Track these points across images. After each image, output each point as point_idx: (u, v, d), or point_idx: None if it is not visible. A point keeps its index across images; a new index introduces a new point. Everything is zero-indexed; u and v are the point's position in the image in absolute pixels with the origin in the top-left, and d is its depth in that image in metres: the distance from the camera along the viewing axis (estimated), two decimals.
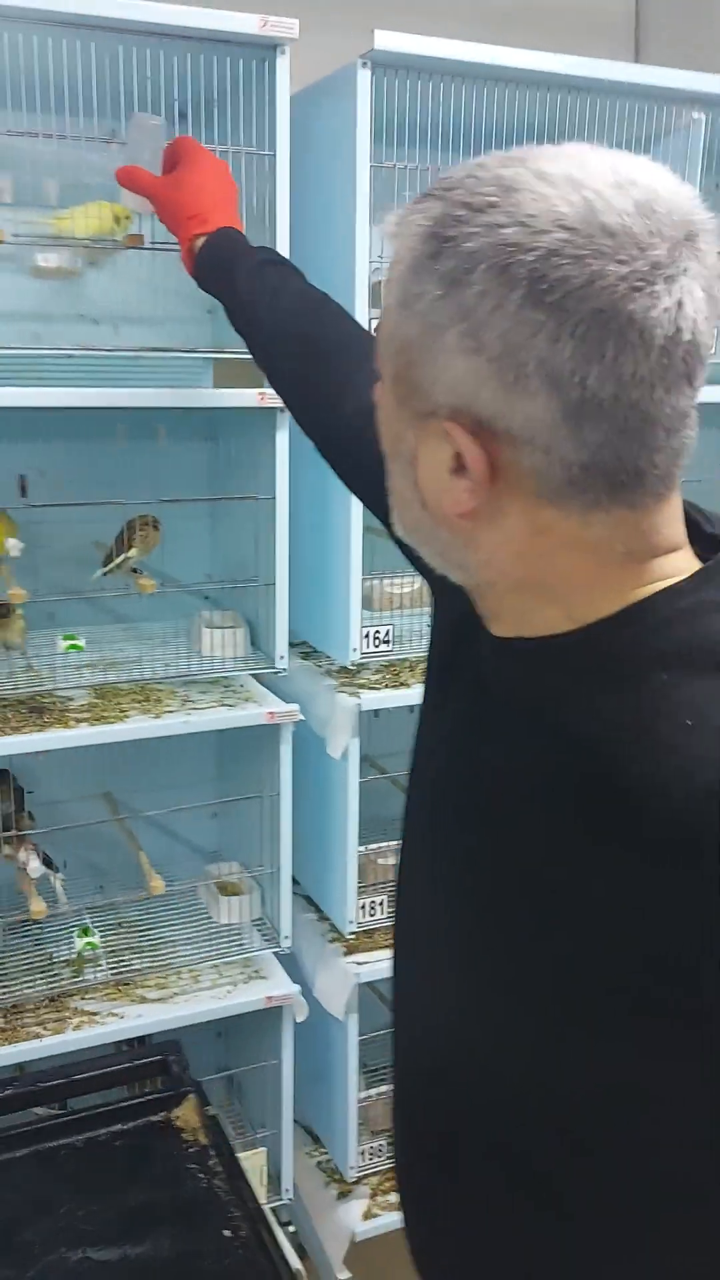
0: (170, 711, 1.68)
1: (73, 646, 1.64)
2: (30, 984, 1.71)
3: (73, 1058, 1.80)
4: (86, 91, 1.50)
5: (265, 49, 1.48)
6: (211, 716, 1.67)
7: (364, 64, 1.52)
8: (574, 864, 0.65)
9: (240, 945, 1.84)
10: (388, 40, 1.48)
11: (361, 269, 1.59)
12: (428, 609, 1.83)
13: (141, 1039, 1.74)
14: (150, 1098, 1.29)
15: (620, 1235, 0.70)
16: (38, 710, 1.64)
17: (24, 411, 1.56)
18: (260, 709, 1.69)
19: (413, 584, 1.79)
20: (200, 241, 1.27)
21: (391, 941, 0.88)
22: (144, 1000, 1.73)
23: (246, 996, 1.76)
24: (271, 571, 1.67)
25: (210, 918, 1.89)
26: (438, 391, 0.63)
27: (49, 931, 1.84)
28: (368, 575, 1.70)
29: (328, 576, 1.74)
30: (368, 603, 1.74)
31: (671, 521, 0.67)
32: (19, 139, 1.52)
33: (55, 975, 1.74)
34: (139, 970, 1.77)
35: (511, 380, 0.60)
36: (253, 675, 1.82)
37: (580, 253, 0.57)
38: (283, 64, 1.48)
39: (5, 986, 1.69)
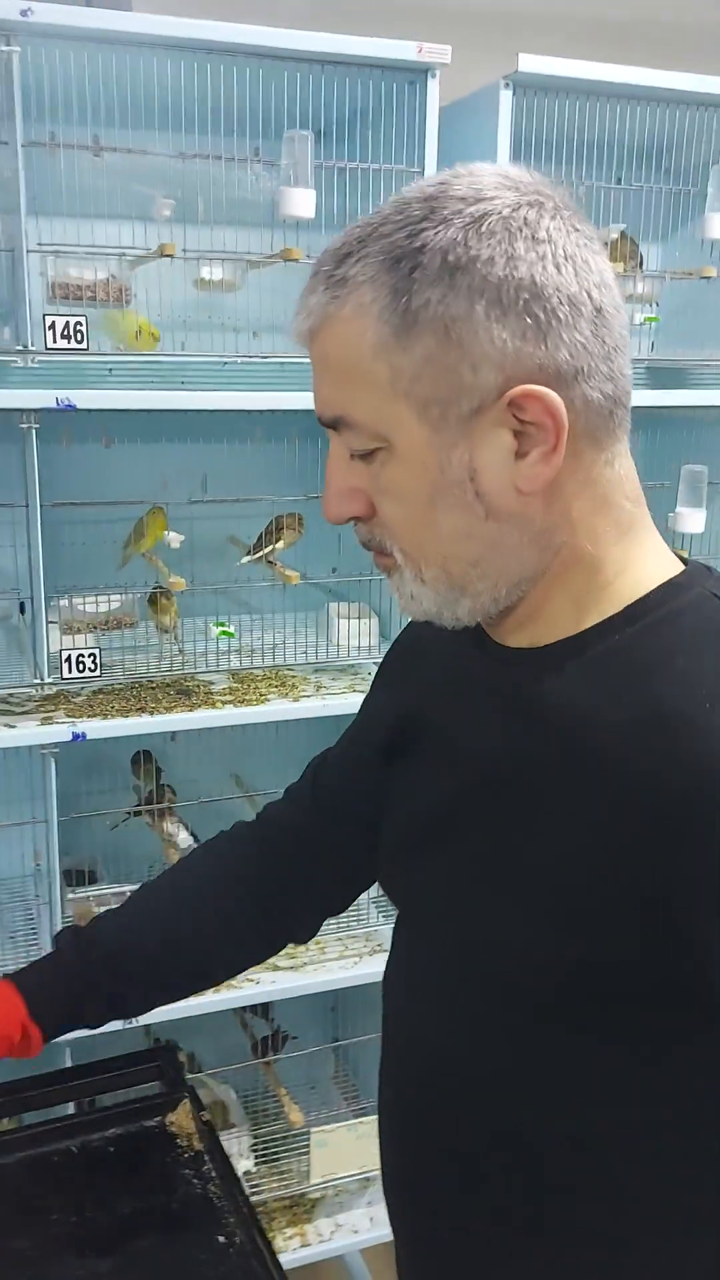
0: (306, 696, 1.78)
1: (225, 633, 1.74)
2: None
3: (214, 1020, 1.93)
4: (239, 114, 1.61)
5: (417, 72, 1.57)
6: (346, 701, 1.77)
7: (506, 85, 1.60)
8: (603, 856, 0.66)
9: (363, 920, 1.94)
10: (531, 63, 1.56)
11: None
12: None
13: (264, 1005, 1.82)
14: (144, 1102, 1.26)
15: (616, 1233, 0.73)
16: (185, 693, 1.75)
17: (172, 414, 1.68)
18: None
19: None
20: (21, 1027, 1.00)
21: None
22: (276, 968, 1.84)
23: (371, 969, 1.86)
24: None
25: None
26: (485, 374, 0.65)
27: None
28: None
29: None
30: None
31: (640, 499, 0.73)
32: (170, 159, 1.63)
33: None
34: None
35: (545, 320, 0.64)
36: (376, 664, 1.92)
37: (529, 198, 0.66)
38: (433, 87, 1.57)
39: None
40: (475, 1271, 0.82)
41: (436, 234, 0.64)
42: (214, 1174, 1.16)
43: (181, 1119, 1.22)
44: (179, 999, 1.09)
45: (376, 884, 0.97)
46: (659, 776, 0.64)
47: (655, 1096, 0.69)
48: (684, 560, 0.75)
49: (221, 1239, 1.08)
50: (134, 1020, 1.68)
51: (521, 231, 0.64)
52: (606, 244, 1.83)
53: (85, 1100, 1.35)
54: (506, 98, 1.60)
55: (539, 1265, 0.77)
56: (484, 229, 0.64)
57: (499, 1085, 0.76)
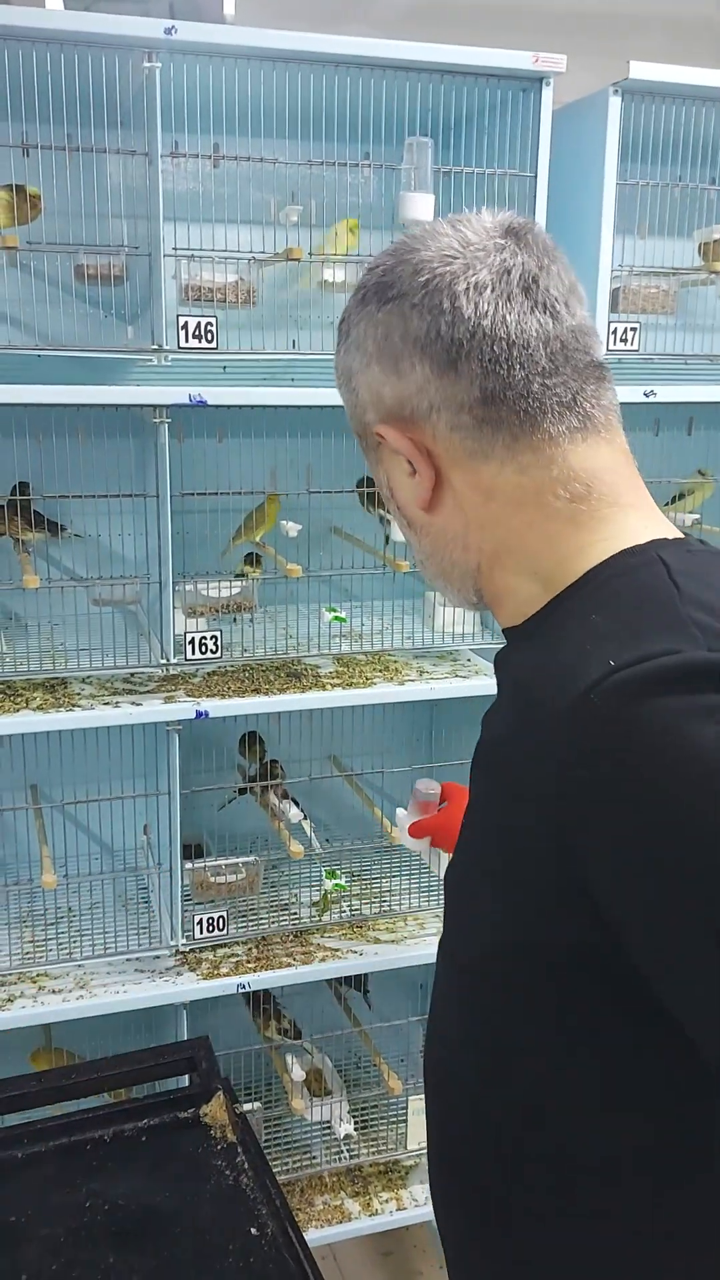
0: (410, 680, 1.86)
1: (337, 618, 1.82)
2: (278, 920, 1.92)
3: (311, 989, 2.01)
4: (355, 121, 1.68)
5: (531, 80, 1.64)
6: (447, 685, 1.84)
7: (615, 91, 1.66)
8: (523, 816, 0.70)
9: None
10: (641, 70, 1.62)
11: (604, 277, 1.73)
12: None
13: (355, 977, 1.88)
14: (179, 1093, 1.28)
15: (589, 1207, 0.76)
16: (294, 675, 1.84)
17: (281, 409, 1.76)
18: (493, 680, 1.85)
19: None
20: None
21: None
22: (377, 941, 1.92)
23: None
24: None
25: (430, 871, 2.07)
26: (368, 417, 0.80)
27: (287, 875, 2.05)
28: None
29: None
30: None
31: (614, 472, 0.75)
32: (290, 166, 1.71)
33: (296, 914, 1.95)
34: (369, 915, 1.96)
35: (393, 367, 0.76)
36: (473, 651, 1.99)
37: (404, 259, 0.75)
38: (548, 94, 1.63)
39: (259, 921, 1.91)
40: (457, 1247, 0.88)
41: (346, 305, 0.81)
42: (246, 1165, 1.18)
43: (215, 1110, 1.25)
44: None
45: None
46: (548, 728, 0.67)
47: (593, 1068, 0.73)
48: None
49: (253, 1230, 1.09)
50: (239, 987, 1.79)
51: (381, 294, 0.76)
52: (703, 245, 1.88)
53: (120, 1091, 1.39)
54: (616, 103, 1.66)
55: (509, 1243, 0.82)
56: (359, 298, 0.79)
57: (465, 1062, 0.82)
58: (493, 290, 0.73)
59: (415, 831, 1.43)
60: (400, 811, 1.45)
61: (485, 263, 0.73)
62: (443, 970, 0.88)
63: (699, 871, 0.60)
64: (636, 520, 0.76)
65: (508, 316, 0.73)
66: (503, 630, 0.83)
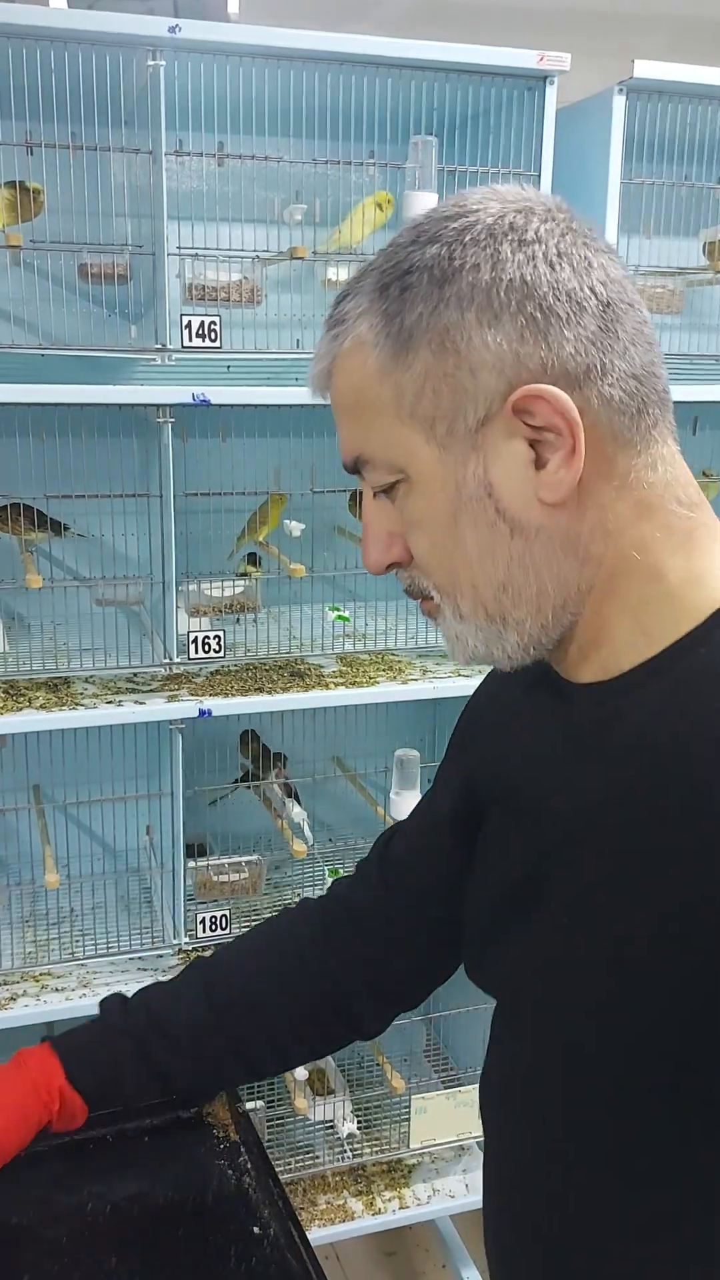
0: (413, 679, 1.85)
1: (341, 618, 1.82)
2: None
3: None
4: (358, 120, 1.68)
5: (535, 79, 1.63)
6: (451, 684, 1.84)
7: (620, 90, 1.66)
8: (701, 911, 0.58)
9: None
10: (646, 69, 1.62)
11: None
12: None
13: None
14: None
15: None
16: (298, 674, 1.84)
17: (285, 409, 1.76)
18: None
19: None
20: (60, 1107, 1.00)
21: None
22: None
23: None
24: None
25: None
26: (486, 382, 0.62)
27: (290, 875, 2.05)
28: None
29: None
30: None
31: (700, 491, 0.68)
32: (293, 165, 1.71)
33: None
34: None
35: (542, 319, 0.61)
36: None
37: (516, 206, 0.64)
38: (551, 93, 1.63)
39: (261, 921, 1.90)
40: None
41: (422, 253, 0.64)
42: (249, 1165, 1.15)
43: (218, 1110, 1.23)
44: (225, 1084, 1.04)
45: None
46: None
47: None
48: None
49: (256, 1230, 1.07)
50: None
51: (508, 236, 0.63)
52: (708, 244, 1.88)
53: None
54: (620, 103, 1.66)
55: None
56: (468, 239, 0.63)
57: (587, 1216, 0.67)
58: (610, 258, 0.65)
59: None
60: None
61: (583, 233, 0.65)
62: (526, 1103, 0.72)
63: None
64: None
65: (628, 290, 0.65)
66: (578, 684, 0.69)
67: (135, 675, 1.82)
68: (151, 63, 1.49)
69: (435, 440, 0.65)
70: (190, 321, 1.58)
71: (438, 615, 0.71)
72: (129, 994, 1.01)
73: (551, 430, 0.62)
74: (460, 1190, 2.05)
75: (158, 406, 1.59)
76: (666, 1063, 0.59)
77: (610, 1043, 0.63)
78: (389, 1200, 2.01)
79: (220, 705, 1.70)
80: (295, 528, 1.76)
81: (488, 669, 0.88)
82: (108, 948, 1.81)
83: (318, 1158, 2.04)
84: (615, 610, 0.65)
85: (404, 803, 1.84)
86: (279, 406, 1.72)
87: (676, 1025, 0.59)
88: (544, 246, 0.62)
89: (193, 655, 1.70)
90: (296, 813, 1.80)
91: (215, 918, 1.82)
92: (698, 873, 0.57)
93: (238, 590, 1.77)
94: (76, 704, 1.68)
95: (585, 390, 0.62)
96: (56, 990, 1.77)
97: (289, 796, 1.88)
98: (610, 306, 0.63)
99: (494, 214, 0.64)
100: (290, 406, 1.72)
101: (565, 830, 0.68)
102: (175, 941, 1.80)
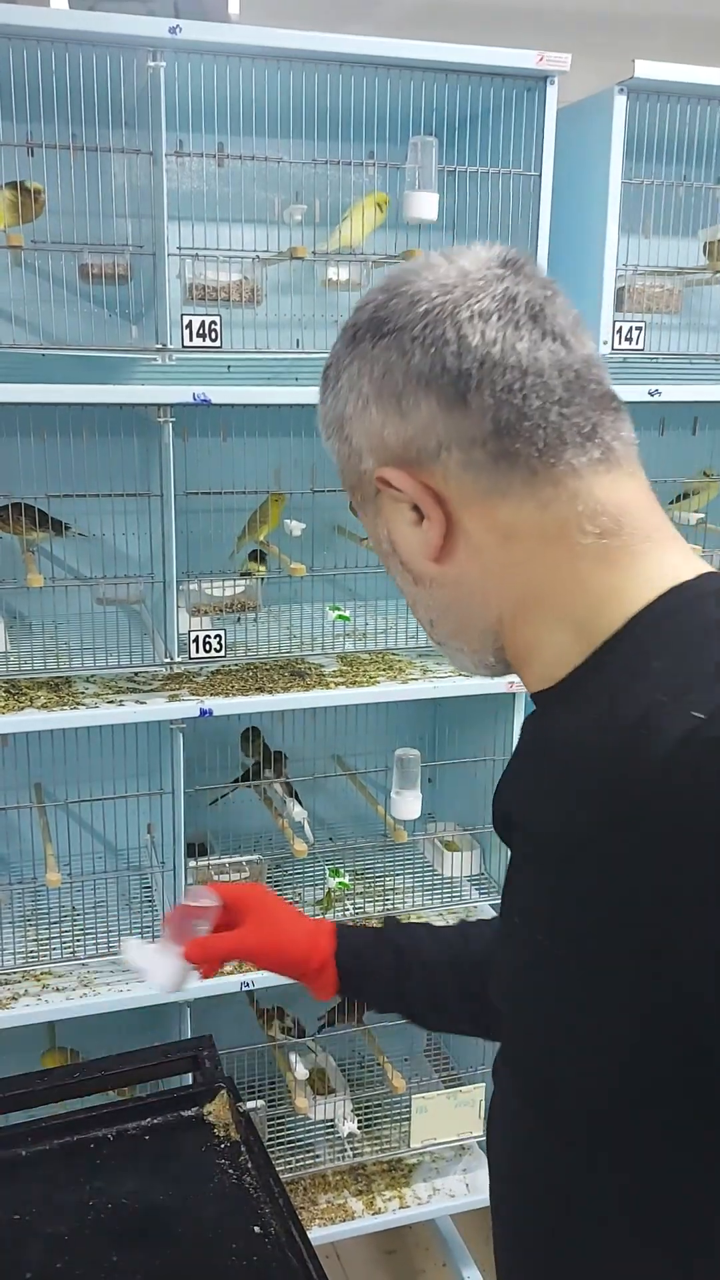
0: (413, 679, 1.86)
1: (341, 617, 1.83)
2: None
3: None
4: (359, 120, 1.69)
5: (535, 79, 1.64)
6: (451, 684, 1.84)
7: (620, 90, 1.66)
8: (606, 904, 0.61)
9: (460, 897, 2.01)
10: (646, 69, 1.62)
11: (609, 275, 1.73)
12: None
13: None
14: (182, 1092, 1.26)
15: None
16: (298, 674, 1.84)
17: (286, 409, 1.76)
18: (501, 679, 1.85)
19: None
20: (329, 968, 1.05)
21: None
22: None
23: None
24: None
25: (434, 870, 2.07)
26: (366, 462, 0.72)
27: (290, 874, 2.05)
28: None
29: None
30: None
31: (643, 508, 0.69)
32: (293, 165, 1.71)
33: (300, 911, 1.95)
34: (372, 914, 1.96)
35: (395, 406, 0.69)
36: None
37: (397, 291, 0.70)
38: (552, 93, 1.63)
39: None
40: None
41: (334, 346, 0.75)
42: (250, 1164, 1.16)
43: (218, 1109, 1.24)
44: (434, 1027, 1.16)
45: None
46: (627, 795, 0.59)
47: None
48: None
49: (257, 1229, 1.08)
50: (243, 985, 1.79)
51: (370, 331, 0.70)
52: (708, 244, 1.88)
53: (124, 1089, 1.37)
54: (621, 102, 1.66)
55: None
56: (349, 338, 0.72)
57: (547, 1218, 0.72)
58: (499, 317, 0.67)
59: (200, 955, 1.03)
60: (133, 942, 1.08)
61: (487, 291, 0.68)
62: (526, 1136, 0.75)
63: None
64: (676, 556, 0.69)
65: (517, 344, 0.67)
66: (532, 695, 0.73)
67: (136, 675, 1.82)
68: (152, 63, 1.50)
69: (359, 502, 0.77)
70: (190, 321, 1.58)
71: None
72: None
73: (414, 497, 0.70)
74: (460, 1190, 2.05)
75: (158, 406, 1.59)
76: (601, 1042, 0.63)
77: (557, 1040, 0.68)
78: (389, 1199, 2.02)
79: (221, 705, 1.70)
80: (296, 527, 1.77)
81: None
82: (109, 946, 1.81)
83: (318, 1157, 2.05)
84: (536, 631, 0.70)
85: (404, 802, 1.84)
86: (279, 406, 1.72)
87: (602, 1009, 0.62)
88: (402, 335, 0.69)
89: (193, 655, 1.71)
90: (297, 812, 1.80)
91: None
92: (613, 869, 0.60)
93: (238, 590, 1.78)
94: (77, 703, 1.68)
95: (441, 459, 0.69)
96: (57, 990, 1.77)
97: (290, 796, 1.88)
98: (465, 376, 0.67)
99: (372, 307, 0.71)
100: (290, 406, 1.72)
101: (522, 834, 0.74)
102: None
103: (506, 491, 0.68)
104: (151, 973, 1.03)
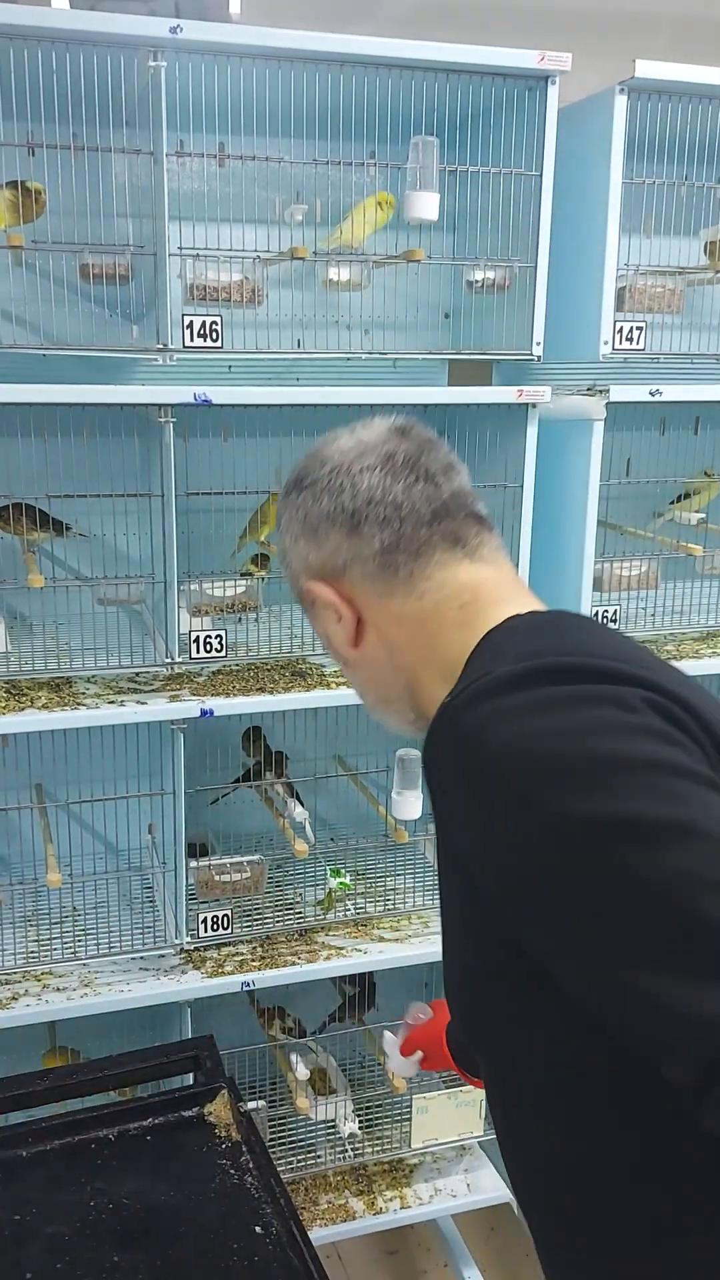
0: None
1: None
2: (282, 919, 1.92)
3: (315, 987, 2.01)
4: (359, 120, 1.68)
5: (536, 79, 1.64)
6: None
7: (621, 90, 1.66)
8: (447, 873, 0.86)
9: None
10: (647, 69, 1.62)
11: (610, 275, 1.73)
12: (654, 590, 1.97)
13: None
14: (183, 1092, 1.27)
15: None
16: (299, 674, 1.84)
17: (286, 409, 1.76)
18: None
19: (641, 567, 1.92)
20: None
21: None
22: (382, 940, 1.92)
23: None
24: (514, 554, 1.82)
25: (434, 869, 2.06)
26: (302, 580, 0.97)
27: (291, 874, 2.05)
28: (600, 559, 1.85)
29: (561, 559, 1.89)
30: (598, 584, 1.88)
31: (498, 581, 0.92)
32: (294, 165, 1.71)
33: (300, 913, 1.95)
34: (373, 914, 1.96)
35: (313, 538, 0.95)
36: None
37: (313, 456, 0.97)
38: (553, 93, 1.63)
39: (263, 920, 1.91)
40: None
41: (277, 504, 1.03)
42: (251, 1164, 1.17)
43: (219, 1109, 1.25)
44: None
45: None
46: (426, 774, 0.83)
47: (543, 1052, 0.83)
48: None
49: (258, 1229, 1.09)
50: (244, 985, 1.79)
51: (297, 485, 0.97)
52: (710, 243, 1.88)
53: (125, 1089, 1.38)
54: (621, 102, 1.66)
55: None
56: (283, 493, 1.00)
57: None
58: (380, 470, 0.93)
59: (405, 1048, 1.43)
60: (388, 1035, 1.45)
61: (374, 451, 0.94)
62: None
63: (546, 860, 0.70)
64: (511, 608, 0.90)
65: (394, 487, 0.93)
66: None
67: (137, 675, 1.82)
68: (153, 63, 1.49)
69: (306, 612, 1.02)
70: (191, 321, 1.58)
71: None
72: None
73: (331, 605, 0.95)
74: (462, 1190, 2.05)
75: (159, 406, 1.59)
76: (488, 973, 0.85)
77: (454, 980, 0.91)
78: (390, 1200, 2.01)
79: (222, 705, 1.70)
80: None
81: None
82: (110, 947, 1.81)
83: (319, 1157, 2.04)
84: (430, 688, 0.92)
85: (406, 802, 1.84)
86: (280, 406, 1.72)
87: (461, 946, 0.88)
88: (314, 489, 0.95)
89: (194, 655, 1.71)
90: (299, 812, 1.80)
91: (217, 917, 1.82)
92: (439, 835, 0.87)
93: (239, 590, 1.78)
94: (78, 704, 1.68)
95: (347, 573, 0.94)
96: (58, 990, 1.77)
97: (291, 796, 1.88)
98: (356, 513, 0.93)
99: (296, 471, 0.98)
100: (291, 406, 1.72)
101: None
102: (177, 941, 1.81)
103: (393, 591, 0.93)
104: (394, 1061, 1.45)
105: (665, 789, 0.68)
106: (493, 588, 0.92)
